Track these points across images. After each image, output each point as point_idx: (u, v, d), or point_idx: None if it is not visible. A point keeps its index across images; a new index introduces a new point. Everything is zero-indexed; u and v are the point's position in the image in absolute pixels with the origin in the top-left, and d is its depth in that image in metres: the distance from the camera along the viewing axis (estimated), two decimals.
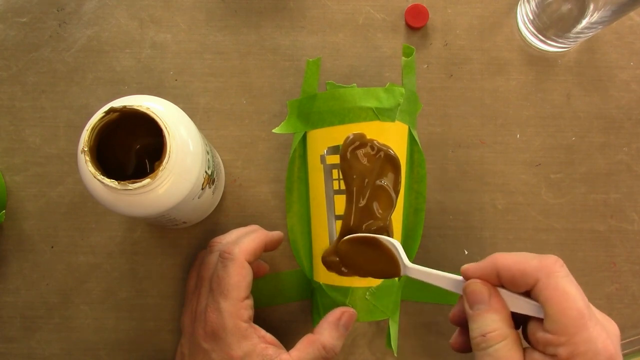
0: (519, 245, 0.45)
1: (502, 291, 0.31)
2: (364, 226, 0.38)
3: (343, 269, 0.38)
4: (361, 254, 0.37)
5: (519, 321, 0.31)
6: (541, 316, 0.29)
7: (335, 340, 0.36)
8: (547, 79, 0.46)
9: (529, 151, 0.46)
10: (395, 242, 0.37)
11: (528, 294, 0.30)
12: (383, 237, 0.37)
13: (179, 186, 0.33)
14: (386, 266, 0.37)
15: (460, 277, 0.33)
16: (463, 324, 0.34)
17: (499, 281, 0.31)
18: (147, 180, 0.31)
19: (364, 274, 0.38)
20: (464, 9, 0.47)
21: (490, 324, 0.30)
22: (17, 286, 0.44)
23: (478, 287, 0.31)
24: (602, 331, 0.28)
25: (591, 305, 0.29)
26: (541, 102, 0.46)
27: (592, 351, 0.27)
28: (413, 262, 0.42)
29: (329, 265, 0.39)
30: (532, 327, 0.30)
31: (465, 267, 0.32)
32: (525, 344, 0.31)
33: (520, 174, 0.45)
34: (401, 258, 0.36)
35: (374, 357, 0.44)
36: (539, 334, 0.29)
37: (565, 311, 0.28)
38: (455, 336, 0.35)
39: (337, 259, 0.38)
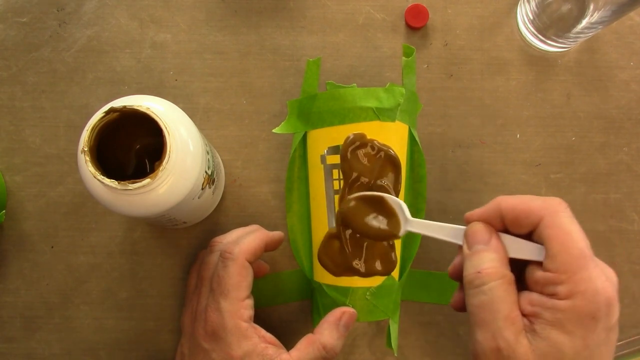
0: None
1: (503, 236, 0.31)
2: None
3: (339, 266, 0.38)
4: (363, 214, 0.37)
5: (515, 272, 0.31)
6: (541, 259, 0.29)
7: (335, 340, 0.36)
8: (547, 79, 0.46)
9: (529, 151, 0.46)
10: (399, 201, 0.36)
11: (528, 238, 0.30)
12: (388, 196, 0.37)
13: (179, 186, 0.33)
14: (386, 228, 0.36)
15: (461, 227, 0.32)
16: (461, 277, 0.33)
17: (502, 225, 0.31)
18: (147, 180, 0.31)
19: (362, 233, 0.37)
20: (464, 9, 0.47)
21: (487, 262, 0.30)
22: (17, 286, 0.44)
23: (479, 227, 0.31)
24: (602, 273, 0.28)
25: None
26: (541, 102, 0.46)
27: (591, 290, 0.27)
28: (413, 261, 0.42)
29: (323, 264, 0.39)
30: (530, 271, 0.30)
31: (469, 213, 0.32)
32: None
33: (520, 174, 0.45)
34: (404, 214, 0.36)
35: (374, 357, 0.44)
36: (538, 275, 0.29)
37: (568, 250, 0.28)
38: (455, 293, 0.34)
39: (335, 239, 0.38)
